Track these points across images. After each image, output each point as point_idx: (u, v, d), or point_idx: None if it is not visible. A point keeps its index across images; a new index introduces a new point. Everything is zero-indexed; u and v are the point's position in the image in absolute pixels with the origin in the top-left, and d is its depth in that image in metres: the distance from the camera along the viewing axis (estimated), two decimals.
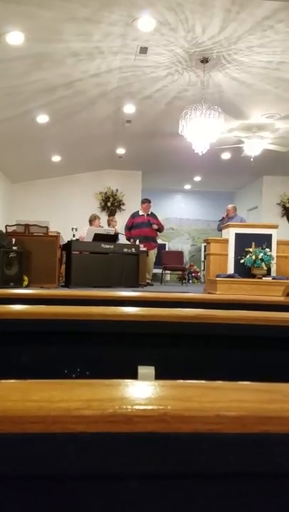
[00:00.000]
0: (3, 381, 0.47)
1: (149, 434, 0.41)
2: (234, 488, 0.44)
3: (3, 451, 0.40)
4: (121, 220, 9.48)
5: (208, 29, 4.65)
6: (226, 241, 6.32)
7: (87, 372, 1.14)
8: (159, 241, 9.76)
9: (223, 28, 4.62)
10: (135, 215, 8.27)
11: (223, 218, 8.20)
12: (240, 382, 0.49)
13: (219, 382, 0.48)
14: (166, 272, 9.77)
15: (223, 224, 7.79)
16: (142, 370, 1.08)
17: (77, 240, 6.75)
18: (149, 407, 0.42)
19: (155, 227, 8.07)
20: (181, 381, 0.49)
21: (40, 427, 0.40)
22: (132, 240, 7.87)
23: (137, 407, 0.41)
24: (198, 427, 0.41)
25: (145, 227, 7.99)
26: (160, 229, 8.30)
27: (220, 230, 8.27)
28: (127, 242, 7.86)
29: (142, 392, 0.45)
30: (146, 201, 8.23)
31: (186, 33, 4.74)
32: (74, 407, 0.41)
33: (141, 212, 8.18)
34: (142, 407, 0.41)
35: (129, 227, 8.15)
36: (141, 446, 0.41)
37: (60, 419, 0.40)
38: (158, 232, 8.39)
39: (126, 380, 0.48)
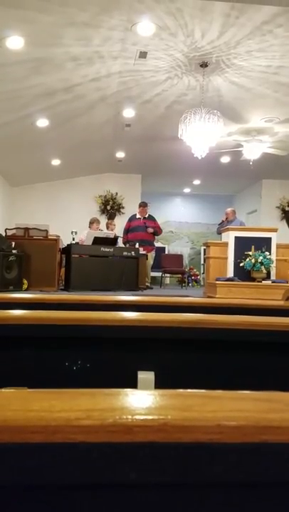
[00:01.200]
0: (3, 390, 0.47)
1: (150, 443, 0.41)
2: (234, 497, 0.44)
3: (3, 460, 0.40)
4: (120, 223, 9.48)
5: (208, 34, 4.67)
6: (226, 244, 6.33)
7: (87, 372, 1.14)
8: (159, 244, 9.75)
9: (222, 33, 4.64)
10: (132, 218, 8.26)
11: (223, 222, 8.20)
12: (240, 392, 0.49)
13: (219, 392, 0.48)
14: (166, 275, 9.76)
15: (222, 227, 7.80)
16: (142, 375, 1.08)
17: (76, 243, 6.75)
18: (149, 417, 0.42)
19: (150, 230, 8.00)
20: (181, 390, 0.49)
21: (41, 437, 0.40)
22: (127, 245, 7.85)
23: (137, 416, 0.41)
24: (198, 437, 0.41)
25: (141, 231, 7.96)
26: (156, 232, 8.23)
27: (219, 233, 8.27)
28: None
29: (142, 401, 0.45)
30: (142, 205, 8.21)
31: (185, 38, 4.76)
32: (74, 416, 0.41)
33: (138, 216, 8.17)
34: (142, 417, 0.41)
35: (127, 231, 8.14)
36: (141, 456, 0.41)
37: (61, 429, 0.40)
38: (155, 236, 8.34)
39: (126, 390, 0.48)
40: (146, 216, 8.15)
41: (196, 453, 0.41)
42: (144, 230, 7.97)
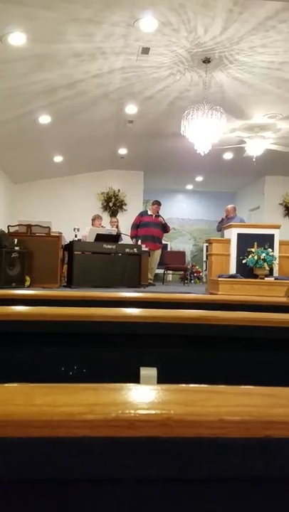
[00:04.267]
0: (6, 385, 0.47)
1: (152, 438, 0.41)
2: (237, 492, 0.43)
3: (7, 455, 0.40)
4: (122, 220, 9.48)
5: (211, 29, 4.65)
6: (228, 241, 6.32)
7: (84, 369, 1.14)
8: None
9: (225, 29, 4.62)
10: (144, 213, 8.35)
11: (223, 219, 8.20)
12: (243, 387, 0.49)
13: (222, 387, 0.48)
14: (168, 272, 9.77)
15: (222, 225, 7.80)
16: (144, 371, 1.08)
17: (79, 240, 6.76)
18: (152, 412, 0.42)
19: (162, 221, 8.12)
20: (184, 385, 0.49)
21: (44, 432, 0.40)
22: (133, 240, 7.89)
23: (139, 411, 0.41)
24: (201, 432, 0.41)
25: (152, 227, 8.04)
26: (166, 228, 8.32)
27: (219, 230, 8.29)
28: (130, 242, 7.87)
29: (144, 396, 0.45)
30: (156, 203, 8.30)
31: (188, 34, 4.74)
32: (77, 411, 0.41)
33: (149, 212, 8.26)
34: (144, 412, 0.41)
35: (137, 226, 8.18)
36: (144, 450, 0.41)
37: (64, 424, 0.40)
38: (164, 233, 8.44)
39: (129, 384, 0.48)
40: (157, 215, 8.23)
41: (199, 448, 0.41)
42: (155, 226, 8.05)
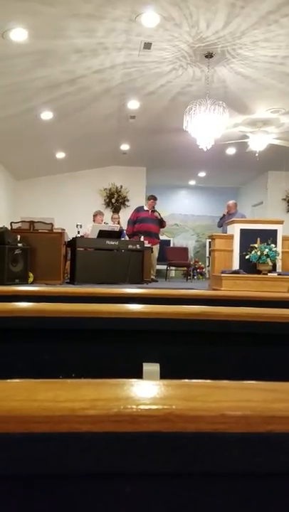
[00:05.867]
0: (8, 381, 0.48)
1: (154, 433, 0.41)
2: (239, 487, 0.44)
3: (8, 450, 0.41)
4: (125, 216, 9.48)
5: (213, 24, 4.62)
6: (231, 237, 6.31)
7: (87, 366, 1.15)
8: (164, 237, 9.76)
9: (227, 23, 4.59)
10: (140, 209, 8.31)
11: (224, 216, 8.17)
12: (245, 382, 0.49)
13: (224, 382, 0.48)
14: (171, 268, 9.76)
15: (224, 221, 7.78)
16: (147, 367, 1.08)
17: (81, 236, 6.76)
18: (154, 407, 0.42)
19: (158, 216, 8.08)
20: (186, 380, 0.49)
21: (46, 427, 0.40)
22: (138, 236, 7.87)
23: (141, 406, 0.41)
24: (202, 427, 0.41)
25: (150, 223, 8.00)
26: (162, 223, 8.28)
27: (220, 226, 8.26)
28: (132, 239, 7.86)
29: (146, 391, 0.45)
30: (152, 198, 8.26)
31: (190, 28, 4.71)
32: (79, 406, 0.41)
33: (146, 208, 8.22)
34: (146, 407, 0.41)
35: (134, 222, 8.15)
36: (145, 445, 0.41)
37: (65, 419, 0.41)
38: (160, 228, 8.39)
39: (131, 380, 0.48)
40: (153, 209, 8.20)
41: (201, 443, 0.41)
42: (152, 222, 8.01)
